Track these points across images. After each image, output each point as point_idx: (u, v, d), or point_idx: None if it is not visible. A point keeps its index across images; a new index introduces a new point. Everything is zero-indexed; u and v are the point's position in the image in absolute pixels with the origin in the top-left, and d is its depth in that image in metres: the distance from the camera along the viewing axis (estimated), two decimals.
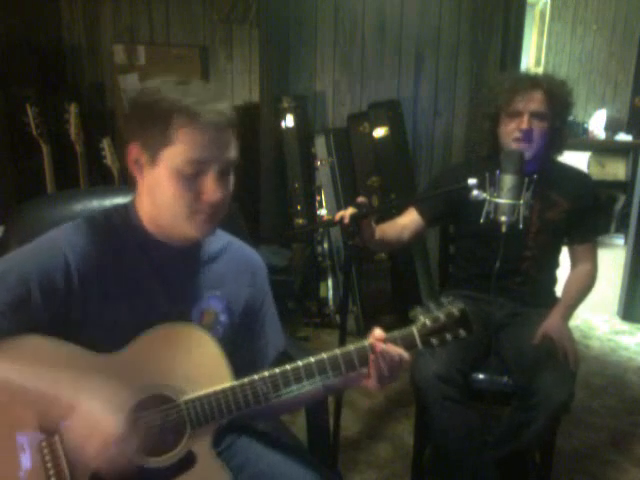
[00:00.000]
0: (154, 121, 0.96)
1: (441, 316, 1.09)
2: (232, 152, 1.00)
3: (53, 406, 0.92)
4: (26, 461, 0.94)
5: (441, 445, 1.68)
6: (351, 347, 1.06)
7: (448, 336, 1.09)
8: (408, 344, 1.07)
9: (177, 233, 1.04)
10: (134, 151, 1.01)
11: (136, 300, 1.04)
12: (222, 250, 1.16)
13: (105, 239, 1.04)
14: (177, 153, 0.96)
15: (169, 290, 1.07)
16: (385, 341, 1.06)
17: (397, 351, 1.05)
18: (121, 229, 1.06)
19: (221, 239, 1.17)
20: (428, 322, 1.08)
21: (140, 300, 1.04)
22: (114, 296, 1.02)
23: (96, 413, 0.89)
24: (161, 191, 0.99)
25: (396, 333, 1.08)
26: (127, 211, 1.08)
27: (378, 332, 1.07)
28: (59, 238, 1.02)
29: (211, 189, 0.97)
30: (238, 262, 1.17)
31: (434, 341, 1.08)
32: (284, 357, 1.22)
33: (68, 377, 0.93)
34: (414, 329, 1.08)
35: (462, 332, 1.09)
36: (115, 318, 1.01)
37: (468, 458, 1.64)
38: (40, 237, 1.03)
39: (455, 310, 1.09)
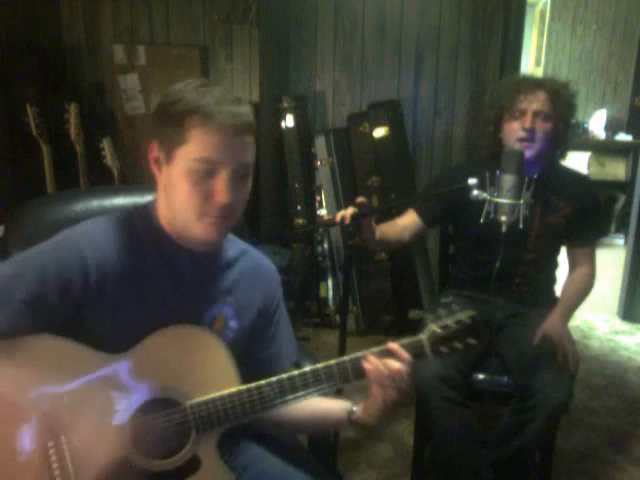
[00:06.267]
0: (171, 120, 0.98)
1: (451, 324, 1.04)
2: (247, 156, 1.00)
3: (56, 409, 0.92)
4: (31, 461, 0.93)
5: (440, 446, 1.68)
6: (358, 354, 1.04)
7: (458, 345, 1.04)
8: (417, 353, 1.04)
9: (188, 235, 1.04)
10: (154, 149, 1.03)
11: (150, 302, 1.04)
12: (237, 257, 1.16)
13: (124, 238, 1.04)
14: (190, 152, 0.97)
15: (184, 294, 1.07)
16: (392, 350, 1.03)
17: (402, 356, 1.03)
18: (141, 229, 1.06)
19: (237, 246, 1.18)
20: (438, 330, 1.04)
21: (154, 302, 1.04)
22: (129, 296, 1.02)
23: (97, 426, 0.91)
24: (174, 190, 1.01)
25: (405, 341, 1.05)
26: (148, 211, 1.08)
27: (390, 344, 1.04)
28: (78, 235, 1.02)
29: (221, 191, 0.98)
30: (252, 270, 1.18)
31: (444, 349, 1.04)
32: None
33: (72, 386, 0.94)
34: (424, 338, 1.05)
35: (472, 340, 1.05)
36: (128, 318, 1.01)
37: (467, 459, 1.64)
38: (59, 233, 1.03)
39: (465, 317, 1.05)
